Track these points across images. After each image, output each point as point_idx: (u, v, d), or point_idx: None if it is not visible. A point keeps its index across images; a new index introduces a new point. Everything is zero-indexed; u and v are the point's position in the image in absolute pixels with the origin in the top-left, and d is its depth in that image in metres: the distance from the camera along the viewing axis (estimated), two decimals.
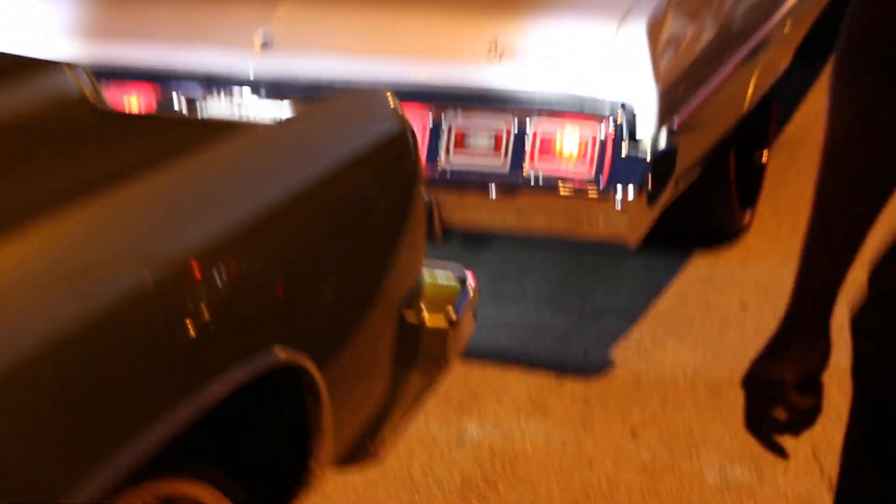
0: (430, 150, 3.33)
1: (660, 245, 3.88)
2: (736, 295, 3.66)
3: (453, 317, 2.01)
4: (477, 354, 3.41)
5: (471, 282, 2.13)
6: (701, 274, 3.80)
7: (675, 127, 3.30)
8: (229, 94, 3.47)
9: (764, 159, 4.18)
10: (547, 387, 3.23)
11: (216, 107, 3.47)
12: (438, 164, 3.31)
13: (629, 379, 3.26)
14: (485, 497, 2.78)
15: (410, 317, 1.99)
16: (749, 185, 4.08)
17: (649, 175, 3.22)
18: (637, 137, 3.24)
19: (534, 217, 3.34)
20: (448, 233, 3.45)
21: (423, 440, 3.01)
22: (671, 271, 3.81)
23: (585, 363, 3.35)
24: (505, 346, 3.46)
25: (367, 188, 1.91)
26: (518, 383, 3.26)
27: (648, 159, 3.21)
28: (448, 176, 3.33)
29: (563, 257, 3.91)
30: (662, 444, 2.95)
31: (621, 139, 3.22)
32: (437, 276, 2.10)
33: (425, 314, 2.01)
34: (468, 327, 2.10)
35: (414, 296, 2.01)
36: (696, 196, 3.77)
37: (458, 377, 3.28)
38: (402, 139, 1.99)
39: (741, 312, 3.57)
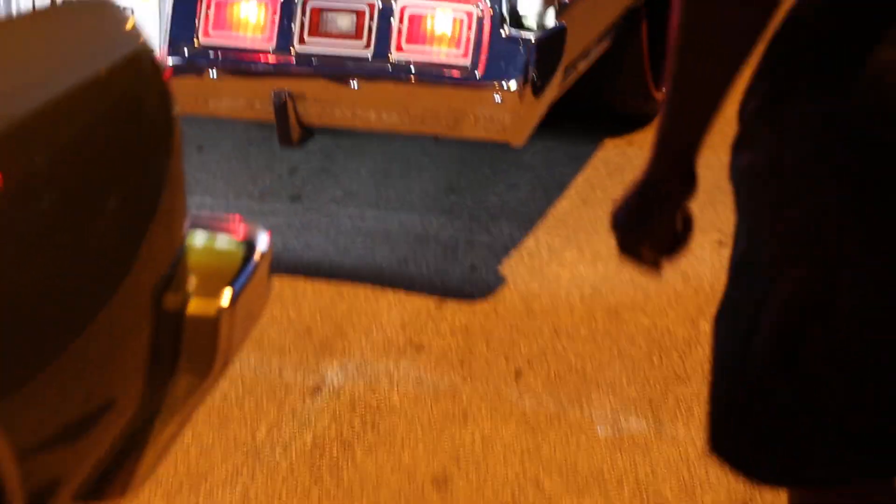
0: (280, 31, 2.81)
1: (565, 131, 3.39)
2: None
3: (225, 302, 1.53)
4: (350, 272, 2.94)
5: (262, 245, 1.64)
6: (609, 165, 3.32)
7: (565, 3, 2.78)
8: None
9: None
10: (425, 314, 2.77)
11: None
12: (291, 49, 2.79)
13: (518, 302, 2.79)
14: (337, 466, 2.34)
15: (168, 304, 1.52)
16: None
17: (534, 61, 2.72)
18: (520, 16, 2.73)
19: (401, 113, 2.84)
20: (307, 131, 2.95)
21: (274, 392, 2.55)
22: (576, 162, 3.33)
23: (471, 282, 2.88)
24: (382, 262, 2.99)
25: (89, 131, 1.41)
26: (392, 311, 2.79)
27: (533, 42, 2.70)
28: (303, 63, 2.81)
29: (458, 150, 3.42)
30: (549, 389, 2.50)
31: (501, 18, 2.70)
32: (212, 241, 1.62)
33: (188, 298, 1.53)
34: (255, 307, 1.62)
35: (171, 275, 1.53)
36: (604, 75, 3.27)
37: (324, 306, 2.82)
38: (139, 68, 1.48)
39: None
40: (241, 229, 1.66)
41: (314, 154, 3.47)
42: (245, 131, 3.56)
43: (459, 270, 2.94)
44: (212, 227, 1.63)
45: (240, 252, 1.62)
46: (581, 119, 3.43)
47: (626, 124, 3.46)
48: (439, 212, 3.17)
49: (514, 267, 2.93)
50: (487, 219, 3.13)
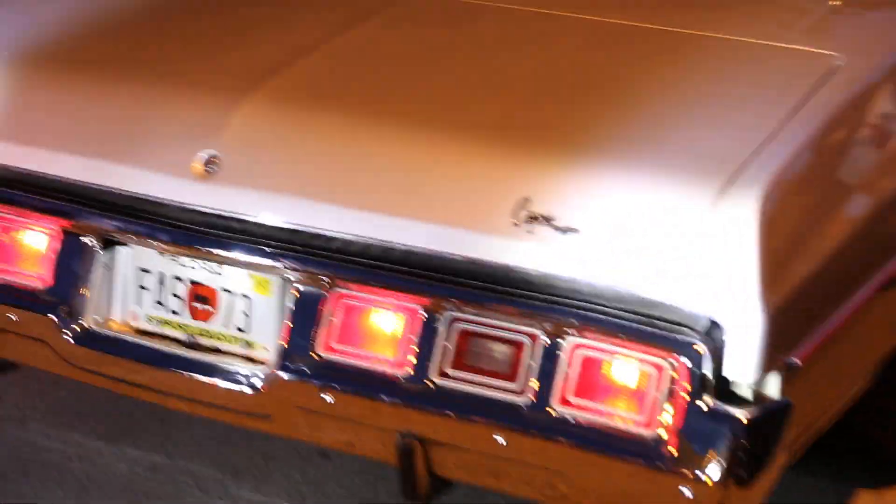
0: (419, 360, 2.15)
1: (814, 468, 2.61)
2: None
3: None
4: None
5: None
6: None
7: (795, 366, 2.02)
8: (154, 230, 2.34)
9: None
10: None
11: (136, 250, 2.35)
12: (428, 382, 2.13)
13: None
14: None
15: None
16: None
17: (744, 447, 1.97)
18: (730, 383, 1.98)
19: (562, 484, 2.13)
20: (440, 484, 2.26)
21: None
22: None
23: None
24: None
25: None
26: None
27: (745, 421, 1.96)
28: (441, 402, 2.14)
29: None
30: None
31: (704, 383, 1.97)
32: None
33: None
34: None
35: None
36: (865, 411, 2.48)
37: None
38: None
39: None
40: None
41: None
42: None
43: None
44: None
45: None
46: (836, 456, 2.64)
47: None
48: None
49: None
50: None
